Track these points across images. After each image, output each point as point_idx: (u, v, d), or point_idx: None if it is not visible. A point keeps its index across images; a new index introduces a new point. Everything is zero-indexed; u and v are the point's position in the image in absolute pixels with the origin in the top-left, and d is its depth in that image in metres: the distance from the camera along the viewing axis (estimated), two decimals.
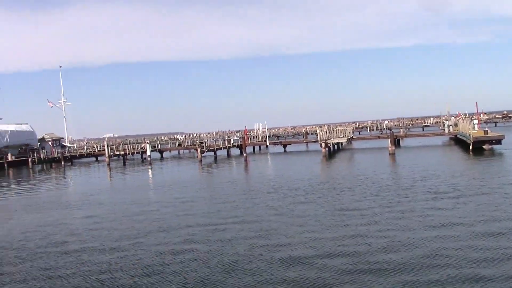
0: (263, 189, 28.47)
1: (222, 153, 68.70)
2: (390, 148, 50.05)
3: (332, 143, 61.38)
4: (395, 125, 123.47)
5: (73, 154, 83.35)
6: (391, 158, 45.95)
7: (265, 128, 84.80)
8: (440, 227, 16.05)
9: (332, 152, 59.73)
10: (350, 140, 71.65)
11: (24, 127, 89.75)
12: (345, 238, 15.28)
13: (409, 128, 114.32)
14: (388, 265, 12.31)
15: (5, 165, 72.03)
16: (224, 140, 74.49)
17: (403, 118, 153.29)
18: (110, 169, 57.86)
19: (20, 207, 27.95)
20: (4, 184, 47.66)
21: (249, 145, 73.33)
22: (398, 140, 66.37)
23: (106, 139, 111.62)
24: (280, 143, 76.32)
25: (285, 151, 69.63)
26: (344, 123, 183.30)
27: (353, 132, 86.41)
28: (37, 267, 14.15)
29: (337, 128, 73.66)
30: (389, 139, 51.76)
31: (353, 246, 14.22)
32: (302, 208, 21.28)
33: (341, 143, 66.49)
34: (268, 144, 75.65)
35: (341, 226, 17.11)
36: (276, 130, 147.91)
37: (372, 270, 11.98)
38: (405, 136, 71.72)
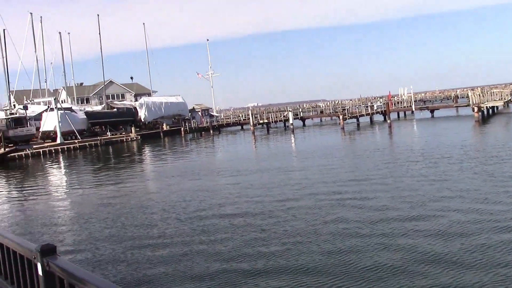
0: (411, 157, 27.25)
1: (364, 119, 67.29)
2: None
3: (486, 107, 56.58)
4: None
5: (220, 123, 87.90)
6: None
7: (410, 93, 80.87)
8: None
9: (486, 117, 55.16)
10: (507, 103, 65.52)
11: (177, 99, 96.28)
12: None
13: None
14: None
15: (161, 134, 78.44)
16: (366, 107, 72.82)
17: None
18: (254, 137, 59.92)
19: (177, 173, 30.15)
20: (162, 152, 51.95)
21: (393, 111, 70.63)
22: None
23: (251, 108, 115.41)
24: (427, 108, 72.44)
25: (432, 116, 66.02)
26: (500, 84, 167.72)
27: (511, 95, 78.83)
28: (199, 230, 15.11)
29: (492, 91, 67.59)
30: None
31: None
32: (457, 177, 19.95)
33: (497, 107, 61.09)
34: (414, 109, 72.19)
35: (505, 198, 15.67)
36: (423, 94, 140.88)
37: None
38: None
